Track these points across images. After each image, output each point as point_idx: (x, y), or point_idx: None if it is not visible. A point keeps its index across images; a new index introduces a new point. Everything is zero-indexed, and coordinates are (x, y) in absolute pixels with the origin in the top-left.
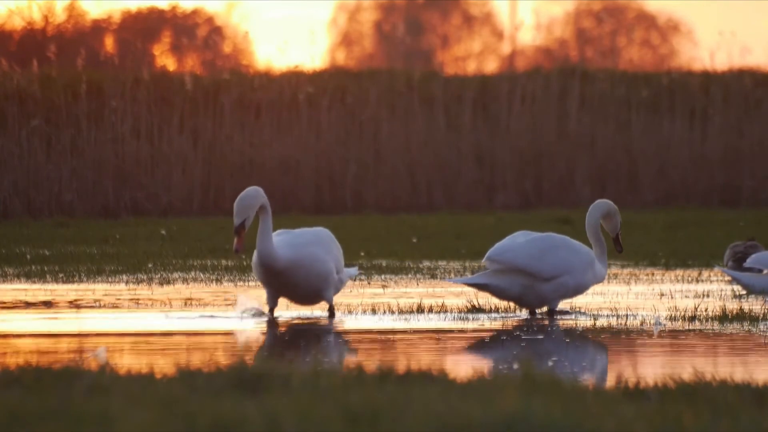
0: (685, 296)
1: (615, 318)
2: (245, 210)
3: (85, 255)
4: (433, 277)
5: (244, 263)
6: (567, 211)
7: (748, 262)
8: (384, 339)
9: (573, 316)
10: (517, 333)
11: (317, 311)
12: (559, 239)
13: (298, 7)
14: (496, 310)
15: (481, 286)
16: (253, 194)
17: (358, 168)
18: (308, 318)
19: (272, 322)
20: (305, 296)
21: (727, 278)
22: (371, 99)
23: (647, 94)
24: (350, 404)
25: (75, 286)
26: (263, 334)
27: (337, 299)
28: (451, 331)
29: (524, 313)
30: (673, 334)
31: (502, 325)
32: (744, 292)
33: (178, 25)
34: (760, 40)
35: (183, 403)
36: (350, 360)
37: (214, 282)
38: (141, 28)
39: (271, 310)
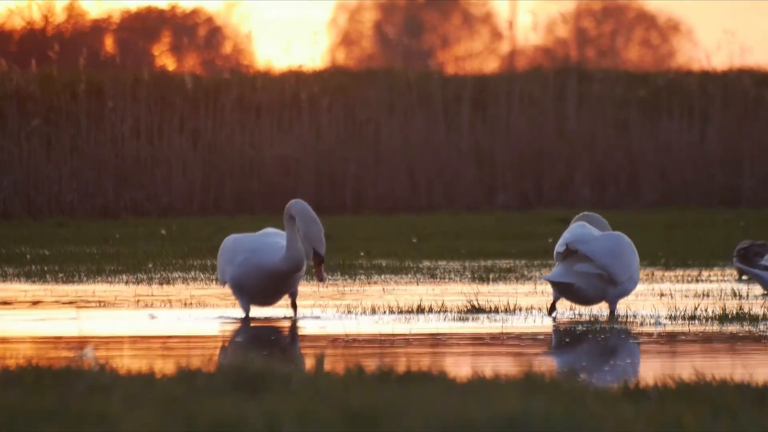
0: (685, 296)
1: (615, 318)
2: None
3: (85, 255)
4: (433, 277)
5: None
6: (567, 211)
7: (766, 259)
8: (385, 341)
9: (573, 316)
10: (518, 333)
11: (279, 310)
12: (628, 240)
13: (298, 7)
14: (496, 310)
15: (565, 286)
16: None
17: (358, 168)
18: (280, 318)
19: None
20: (281, 296)
21: (727, 278)
22: (371, 99)
23: (647, 93)
24: (350, 404)
25: (70, 286)
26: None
27: (340, 300)
28: (450, 334)
29: (524, 314)
30: (673, 333)
31: (503, 325)
32: (751, 290)
33: (177, 24)
34: (760, 39)
35: (183, 403)
36: (351, 360)
37: (213, 282)
38: (141, 28)
39: (248, 314)
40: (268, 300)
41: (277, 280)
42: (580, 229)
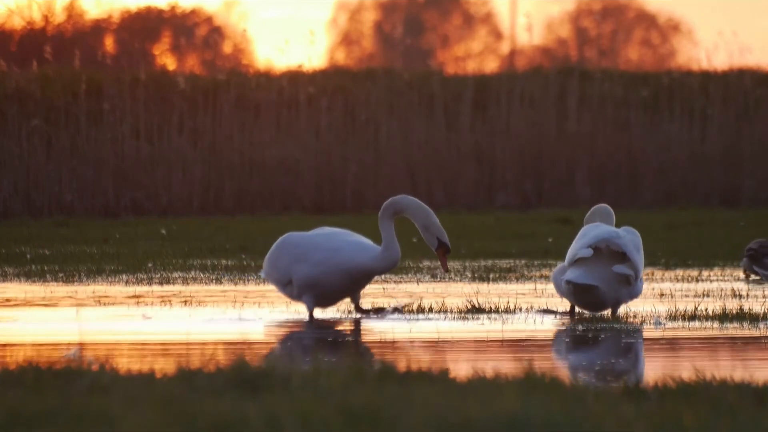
0: (685, 296)
1: (615, 318)
2: None
3: (85, 255)
4: (433, 277)
5: (244, 263)
6: (567, 211)
7: None
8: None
9: (573, 316)
10: (518, 333)
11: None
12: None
13: (298, 7)
14: (496, 310)
15: (587, 288)
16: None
17: (358, 168)
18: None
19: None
20: (352, 296)
21: (727, 278)
22: (371, 99)
23: (647, 93)
24: (350, 404)
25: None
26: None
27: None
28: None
29: (523, 314)
30: (673, 333)
31: (503, 326)
32: (751, 290)
33: (177, 24)
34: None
35: (183, 403)
36: (351, 360)
37: (213, 282)
38: (140, 28)
39: (312, 315)
40: (336, 300)
41: (360, 280)
42: (606, 227)
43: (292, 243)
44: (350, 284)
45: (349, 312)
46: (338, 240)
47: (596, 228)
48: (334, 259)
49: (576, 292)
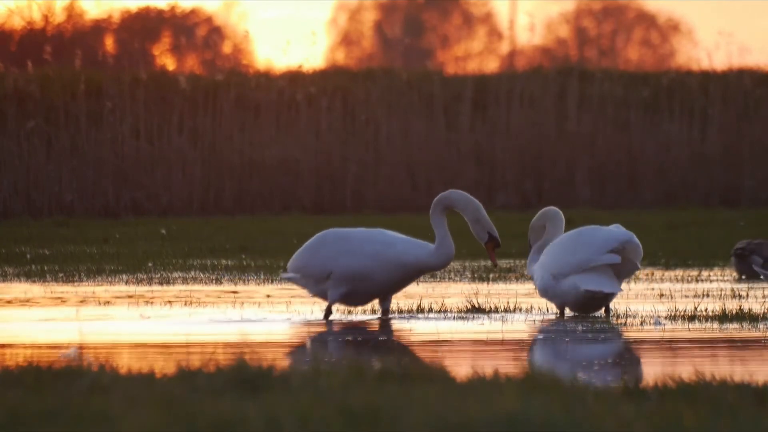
0: (685, 296)
1: (615, 318)
2: None
3: (85, 255)
4: (433, 276)
5: (244, 263)
6: (567, 211)
7: None
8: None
9: (573, 316)
10: (518, 333)
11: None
12: None
13: (298, 7)
14: (496, 310)
15: (606, 296)
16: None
17: (358, 168)
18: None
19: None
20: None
21: (727, 278)
22: (371, 99)
23: (647, 93)
24: (350, 404)
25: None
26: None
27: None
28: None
29: (523, 314)
30: (673, 333)
31: (503, 326)
32: (751, 290)
33: (177, 24)
34: (760, 39)
35: (183, 403)
36: (351, 360)
37: (213, 282)
38: (140, 28)
39: (331, 311)
40: (373, 298)
41: (411, 276)
42: (607, 229)
43: (339, 236)
44: (399, 280)
45: (374, 312)
46: (388, 235)
47: (597, 231)
48: (387, 253)
49: (595, 300)
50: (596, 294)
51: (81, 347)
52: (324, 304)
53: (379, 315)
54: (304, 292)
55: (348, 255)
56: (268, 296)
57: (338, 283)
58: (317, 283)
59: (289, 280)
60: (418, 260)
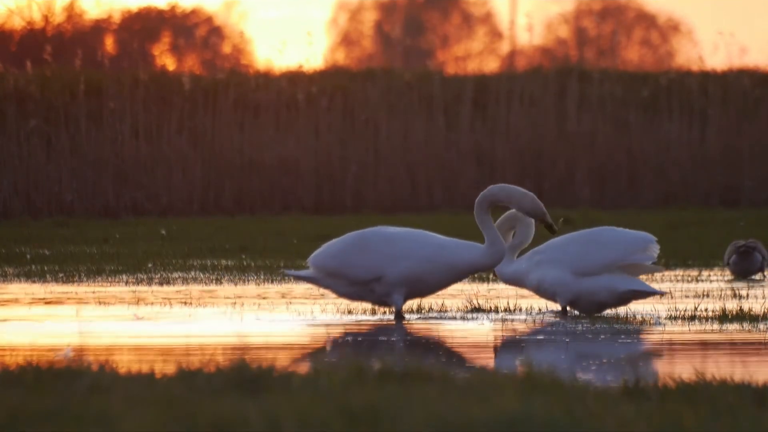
0: (685, 296)
1: (615, 318)
2: None
3: (85, 255)
4: None
5: (244, 263)
6: (567, 211)
7: None
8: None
9: (573, 316)
10: (518, 333)
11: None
12: None
13: (297, 7)
14: (496, 310)
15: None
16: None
17: (358, 168)
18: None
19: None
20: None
21: (727, 278)
22: (371, 99)
23: (646, 93)
24: (350, 404)
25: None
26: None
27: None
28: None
29: (523, 314)
30: (673, 334)
31: (503, 325)
32: (751, 290)
33: (177, 24)
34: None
35: (183, 403)
36: (351, 360)
37: (213, 282)
38: (140, 28)
39: (401, 310)
40: (417, 297)
41: (462, 276)
42: (620, 230)
43: (385, 238)
44: (449, 282)
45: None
46: (436, 237)
47: (619, 231)
48: (442, 255)
49: (625, 301)
50: (638, 294)
51: (80, 347)
52: (339, 302)
53: (379, 315)
54: (304, 292)
55: (403, 259)
56: (264, 298)
57: (394, 287)
58: (352, 285)
59: (303, 278)
60: (472, 262)
